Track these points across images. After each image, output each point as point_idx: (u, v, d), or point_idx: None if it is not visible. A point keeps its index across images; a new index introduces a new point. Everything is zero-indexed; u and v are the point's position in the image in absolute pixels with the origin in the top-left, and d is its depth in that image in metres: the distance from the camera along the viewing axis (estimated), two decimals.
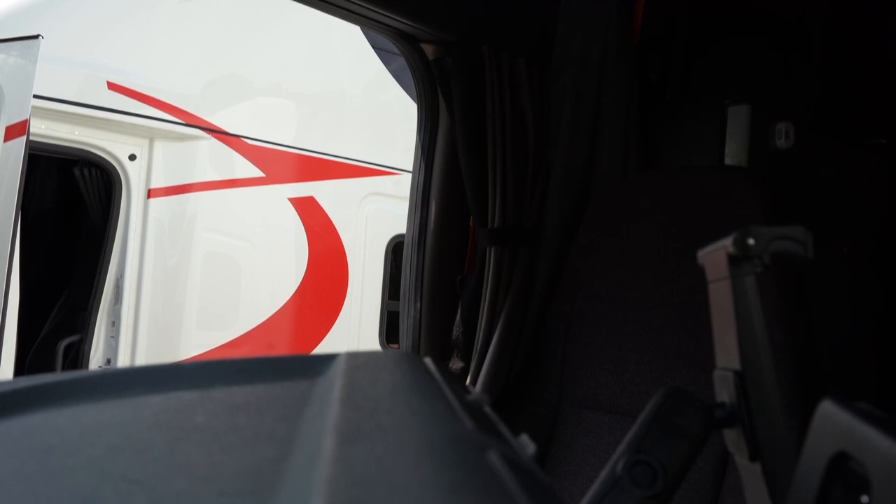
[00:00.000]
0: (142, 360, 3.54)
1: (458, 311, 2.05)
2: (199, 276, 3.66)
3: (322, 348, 4.06)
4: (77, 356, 3.58)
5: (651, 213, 1.89)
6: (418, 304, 2.04)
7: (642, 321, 1.83)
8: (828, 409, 0.49)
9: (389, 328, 4.31)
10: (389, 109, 4.31)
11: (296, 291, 3.95)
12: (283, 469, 0.36)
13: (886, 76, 2.76)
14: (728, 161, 2.28)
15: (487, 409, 0.50)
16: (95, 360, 3.53)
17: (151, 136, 3.60)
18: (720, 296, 0.66)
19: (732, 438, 0.67)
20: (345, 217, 4.15)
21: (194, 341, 3.66)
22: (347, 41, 4.14)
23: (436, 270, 2.06)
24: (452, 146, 2.02)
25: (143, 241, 3.57)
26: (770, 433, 0.62)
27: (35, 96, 2.92)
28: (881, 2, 2.77)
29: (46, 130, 3.29)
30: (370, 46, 4.25)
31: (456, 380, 0.54)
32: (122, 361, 3.51)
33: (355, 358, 0.52)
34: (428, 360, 0.55)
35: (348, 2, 1.74)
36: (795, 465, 0.52)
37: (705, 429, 0.67)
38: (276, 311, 3.88)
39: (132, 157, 3.57)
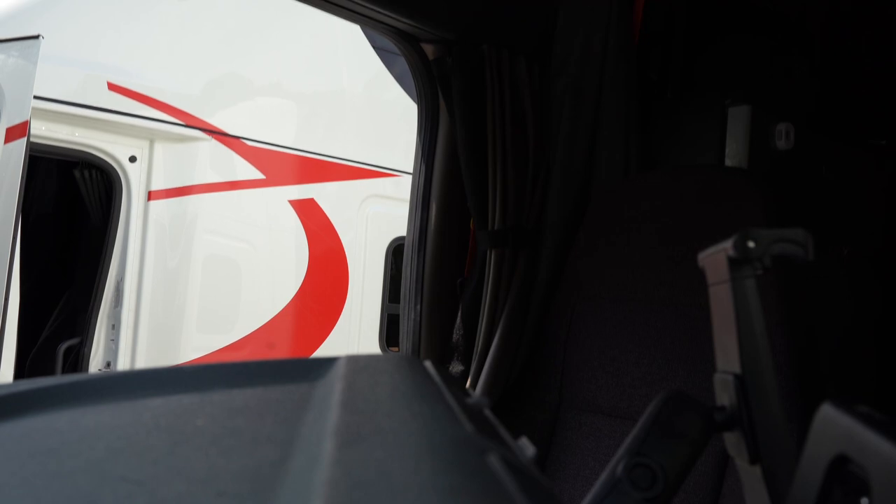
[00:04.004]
0: (142, 363, 3.54)
1: (459, 314, 2.04)
2: (199, 279, 3.66)
3: (322, 351, 4.06)
4: (77, 359, 3.58)
5: (651, 213, 1.88)
6: (418, 307, 2.04)
7: (642, 323, 1.82)
8: (828, 413, 0.49)
9: (389, 331, 4.30)
10: (390, 110, 4.30)
11: (296, 294, 3.95)
12: (283, 472, 0.36)
13: (886, 76, 2.76)
14: (728, 161, 2.28)
15: (487, 412, 0.50)
16: (95, 363, 3.52)
17: (152, 138, 3.60)
18: (720, 299, 0.66)
19: (732, 441, 0.67)
20: (345, 219, 4.14)
21: (194, 344, 3.65)
22: (348, 40, 4.13)
23: (436, 273, 2.05)
24: (453, 147, 2.02)
25: (144, 243, 3.57)
26: (770, 436, 0.62)
27: (35, 97, 2.91)
28: (881, 2, 2.77)
29: (47, 132, 3.29)
30: (370, 46, 4.25)
31: (456, 383, 0.54)
32: (122, 364, 3.51)
33: (355, 361, 0.52)
34: (428, 364, 0.55)
35: (348, 1, 1.74)
36: (795, 468, 0.52)
37: (705, 432, 0.66)
38: (276, 313, 3.88)
39: (132, 159, 3.56)
